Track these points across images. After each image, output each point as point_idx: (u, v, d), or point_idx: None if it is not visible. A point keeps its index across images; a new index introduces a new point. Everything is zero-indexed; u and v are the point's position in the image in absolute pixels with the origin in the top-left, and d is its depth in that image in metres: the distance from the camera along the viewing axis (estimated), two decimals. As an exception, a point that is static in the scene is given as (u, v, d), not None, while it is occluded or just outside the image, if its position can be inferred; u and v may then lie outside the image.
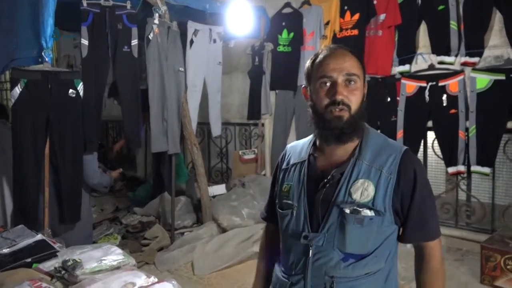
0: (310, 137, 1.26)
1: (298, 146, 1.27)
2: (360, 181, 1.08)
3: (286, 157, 1.28)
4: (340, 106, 1.08)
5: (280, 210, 1.21)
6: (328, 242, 1.08)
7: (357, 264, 1.08)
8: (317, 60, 1.14)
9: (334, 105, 1.08)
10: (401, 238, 1.15)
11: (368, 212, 1.06)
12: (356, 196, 1.07)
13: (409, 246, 3.38)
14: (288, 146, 1.33)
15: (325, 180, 1.12)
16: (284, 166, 1.27)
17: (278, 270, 1.25)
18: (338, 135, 1.10)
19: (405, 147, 1.14)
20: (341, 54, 1.13)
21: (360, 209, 1.06)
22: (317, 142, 1.20)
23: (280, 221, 1.22)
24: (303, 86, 1.22)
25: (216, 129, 4.25)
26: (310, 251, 1.10)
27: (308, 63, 1.19)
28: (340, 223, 1.07)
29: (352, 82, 1.10)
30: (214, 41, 3.93)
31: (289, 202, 1.18)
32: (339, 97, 1.08)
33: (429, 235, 1.13)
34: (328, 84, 1.10)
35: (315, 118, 1.14)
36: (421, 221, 1.11)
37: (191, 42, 3.76)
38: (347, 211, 1.07)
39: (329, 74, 1.10)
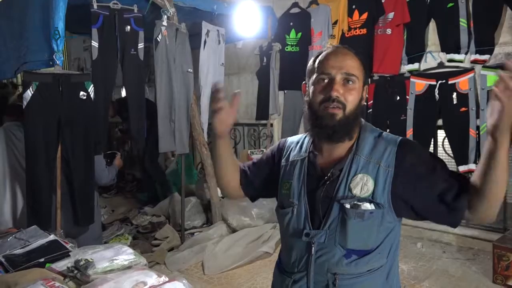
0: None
1: (299, 141, 1.27)
2: (359, 175, 1.09)
3: (285, 152, 1.27)
4: (334, 104, 1.08)
5: (281, 209, 1.22)
6: (330, 239, 1.09)
7: (360, 260, 1.08)
8: (319, 57, 1.15)
9: (329, 101, 1.08)
10: (449, 219, 1.05)
11: (368, 206, 1.06)
12: (356, 191, 1.08)
13: (419, 245, 3.34)
14: (288, 139, 1.31)
15: (326, 178, 1.13)
16: (283, 162, 1.26)
17: (277, 271, 1.26)
18: (329, 134, 1.10)
19: (401, 138, 1.13)
20: (342, 53, 1.13)
21: (360, 203, 1.07)
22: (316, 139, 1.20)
23: (281, 220, 1.22)
24: (303, 82, 1.22)
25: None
26: (313, 248, 1.10)
27: (311, 60, 1.19)
28: (341, 219, 1.08)
29: (350, 82, 1.10)
30: (219, 42, 3.95)
31: (289, 200, 1.18)
32: (334, 94, 1.07)
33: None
34: (326, 80, 1.10)
35: (309, 113, 1.14)
36: (452, 180, 1.04)
37: (205, 42, 3.78)
38: (348, 206, 1.07)
39: (327, 70, 1.10)
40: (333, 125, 1.08)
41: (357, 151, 1.12)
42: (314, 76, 1.13)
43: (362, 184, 1.08)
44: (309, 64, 1.19)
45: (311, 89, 1.14)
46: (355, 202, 1.07)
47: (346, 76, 1.09)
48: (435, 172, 1.06)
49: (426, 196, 1.06)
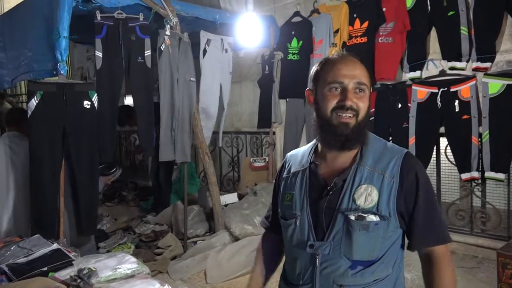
0: (310, 144, 1.26)
1: (299, 154, 1.27)
2: (363, 186, 1.08)
3: (287, 165, 1.27)
4: (348, 112, 1.08)
5: (283, 220, 1.21)
6: (334, 250, 1.08)
7: (365, 271, 1.08)
8: (327, 65, 1.15)
9: (342, 109, 1.09)
10: (409, 245, 1.13)
11: (373, 218, 1.06)
12: (360, 202, 1.07)
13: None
14: (288, 154, 1.32)
15: (328, 188, 1.12)
16: (284, 174, 1.26)
17: (282, 282, 1.25)
18: (343, 142, 1.10)
19: (406, 150, 1.15)
20: (352, 61, 1.14)
21: (365, 215, 1.06)
22: (319, 149, 1.20)
23: (284, 231, 1.21)
24: (307, 89, 1.21)
25: (220, 139, 4.32)
26: (317, 260, 1.09)
27: (316, 66, 1.19)
28: (346, 230, 1.07)
29: (361, 91, 1.11)
30: (226, 51, 3.98)
31: (292, 211, 1.17)
32: (348, 103, 1.08)
33: (439, 239, 1.12)
34: (338, 89, 1.11)
35: (319, 122, 1.14)
36: (428, 224, 1.10)
37: (204, 51, 3.82)
38: (352, 217, 1.06)
39: (340, 79, 1.10)
40: (347, 134, 1.09)
41: (361, 161, 1.12)
42: (325, 84, 1.12)
43: (366, 195, 1.07)
44: (314, 71, 1.19)
45: (320, 96, 1.14)
46: (360, 214, 1.06)
47: (358, 85, 1.10)
48: (430, 206, 1.10)
49: (408, 213, 1.10)
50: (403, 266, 1.18)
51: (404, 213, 1.09)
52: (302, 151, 1.27)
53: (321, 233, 1.11)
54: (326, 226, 1.10)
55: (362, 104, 1.10)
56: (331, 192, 1.11)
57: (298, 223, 1.15)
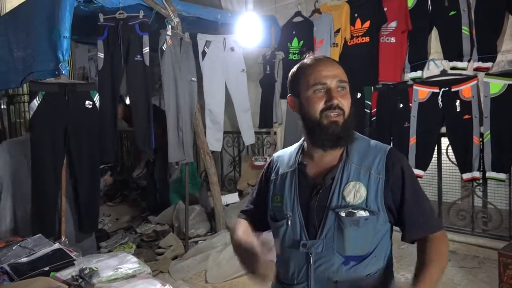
0: (297, 145, 1.28)
1: (286, 155, 1.28)
2: (352, 183, 1.11)
3: (274, 167, 1.28)
4: (336, 111, 1.11)
5: (274, 222, 1.22)
6: (327, 248, 1.10)
7: (358, 266, 1.10)
8: (306, 68, 1.16)
9: (330, 109, 1.11)
10: (404, 237, 1.15)
11: (363, 213, 1.09)
12: (350, 198, 1.10)
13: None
14: (275, 155, 1.33)
15: (318, 187, 1.14)
16: (272, 176, 1.27)
17: (276, 282, 1.25)
18: (335, 140, 1.13)
19: (390, 146, 1.18)
20: (329, 62, 1.17)
21: (355, 211, 1.09)
22: (305, 149, 1.22)
23: (276, 232, 1.23)
24: (288, 95, 1.23)
25: (248, 138, 4.30)
26: (311, 258, 1.12)
27: (292, 72, 1.21)
28: (338, 227, 1.10)
29: (344, 89, 1.14)
30: (232, 49, 3.97)
31: (283, 212, 1.19)
32: (335, 102, 1.11)
33: (434, 226, 1.13)
34: (322, 91, 1.13)
35: (309, 125, 1.16)
36: (420, 215, 1.12)
37: (204, 53, 3.82)
38: (343, 214, 1.09)
39: (323, 81, 1.12)
40: (338, 132, 1.12)
41: (347, 159, 1.15)
42: (308, 87, 1.14)
43: (355, 192, 1.11)
44: (291, 77, 1.21)
45: (305, 100, 1.15)
46: (350, 210, 1.09)
47: (340, 84, 1.13)
48: (418, 197, 1.13)
49: (396, 206, 1.12)
50: (392, 258, 1.20)
51: (392, 206, 1.12)
52: (289, 152, 1.29)
53: (313, 232, 1.13)
54: (317, 224, 1.12)
55: (346, 101, 1.13)
56: (320, 191, 1.14)
57: (289, 223, 1.17)
